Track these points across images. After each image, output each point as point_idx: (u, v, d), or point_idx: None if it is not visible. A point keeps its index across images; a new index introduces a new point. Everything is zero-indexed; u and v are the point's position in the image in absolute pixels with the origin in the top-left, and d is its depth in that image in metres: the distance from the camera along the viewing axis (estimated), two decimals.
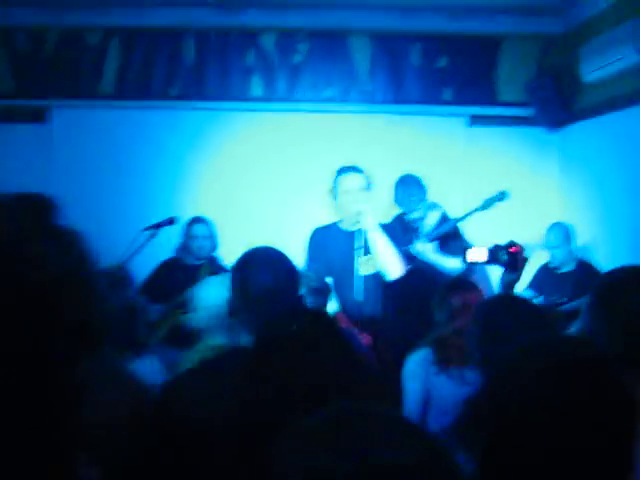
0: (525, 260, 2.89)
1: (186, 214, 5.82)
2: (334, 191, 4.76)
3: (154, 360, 2.98)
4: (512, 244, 3.23)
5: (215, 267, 5.53)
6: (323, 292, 3.79)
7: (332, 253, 4.70)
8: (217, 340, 2.70)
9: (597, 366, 1.17)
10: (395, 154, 6.57)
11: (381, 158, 6.36)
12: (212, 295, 2.83)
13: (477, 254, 3.60)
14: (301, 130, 6.71)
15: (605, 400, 1.15)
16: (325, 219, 4.95)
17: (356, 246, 4.59)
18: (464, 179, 6.65)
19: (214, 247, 5.76)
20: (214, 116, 6.69)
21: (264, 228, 6.25)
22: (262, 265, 2.22)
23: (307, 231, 4.90)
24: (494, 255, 3.17)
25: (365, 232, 4.62)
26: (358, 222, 4.62)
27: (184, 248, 5.75)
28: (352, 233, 4.68)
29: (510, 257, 2.93)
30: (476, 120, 6.74)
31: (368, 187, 4.73)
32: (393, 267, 4.56)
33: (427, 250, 5.48)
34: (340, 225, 4.81)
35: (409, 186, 5.69)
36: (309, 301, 3.62)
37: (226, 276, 2.60)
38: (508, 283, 2.93)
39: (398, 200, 5.75)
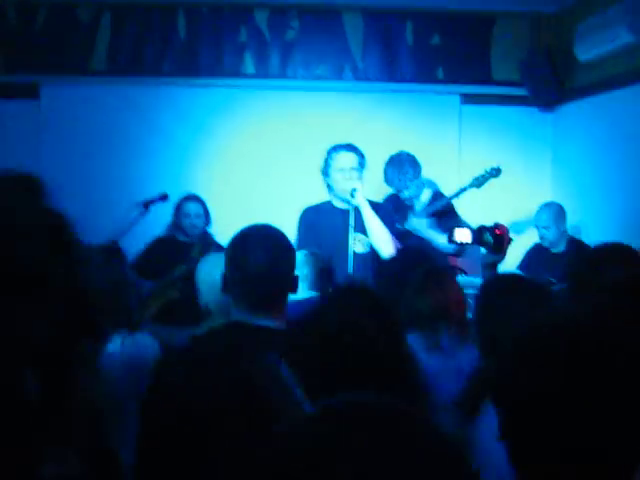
0: (510, 242, 2.88)
1: (178, 191, 5.76)
2: (327, 169, 4.75)
3: (147, 337, 2.93)
4: (497, 226, 3.21)
5: (208, 244, 5.46)
6: (329, 272, 3.77)
7: (325, 231, 4.67)
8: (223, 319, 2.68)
9: (607, 342, 1.19)
10: (388, 132, 6.54)
11: (374, 136, 6.32)
12: (216, 273, 2.83)
13: (462, 235, 3.58)
14: (294, 107, 6.65)
15: (617, 377, 1.17)
16: (317, 197, 4.92)
17: (349, 224, 4.59)
18: (457, 158, 6.65)
19: (207, 224, 5.73)
20: (207, 93, 6.64)
21: (257, 205, 6.25)
22: (259, 243, 2.20)
23: (299, 209, 4.89)
24: (478, 236, 3.16)
25: (358, 210, 4.62)
26: (351, 200, 4.62)
27: (176, 225, 5.69)
28: (345, 211, 4.68)
29: (495, 239, 2.91)
30: (469, 99, 6.71)
31: (362, 165, 4.73)
32: (386, 245, 4.57)
33: (421, 226, 5.46)
34: (333, 203, 4.79)
35: (402, 164, 5.63)
36: (315, 281, 3.61)
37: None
38: (491, 264, 2.94)
39: (389, 179, 5.70)
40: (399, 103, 6.71)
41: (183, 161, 6.62)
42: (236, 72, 6.66)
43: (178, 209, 5.68)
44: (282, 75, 6.69)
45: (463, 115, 6.72)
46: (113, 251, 4.08)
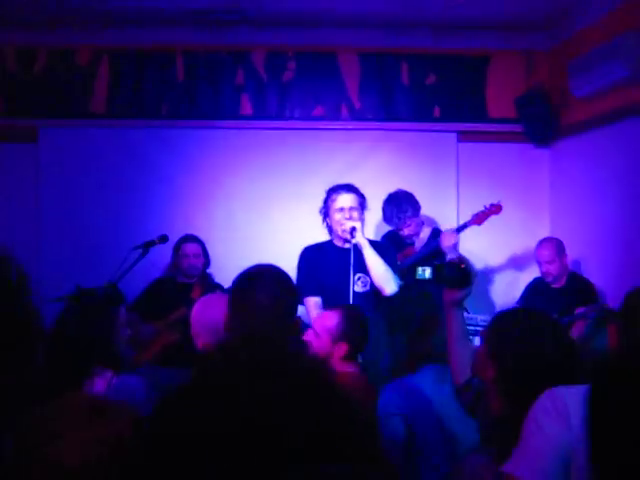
0: (472, 275, 2.83)
1: (177, 233, 5.76)
2: (326, 209, 4.77)
3: (138, 380, 2.92)
4: (461, 259, 3.16)
5: (207, 285, 5.49)
6: None
7: (325, 270, 4.67)
8: None
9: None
10: (386, 171, 6.53)
11: (372, 175, 6.33)
12: (213, 314, 2.79)
13: (422, 273, 3.55)
14: (292, 148, 6.64)
15: None
16: (317, 237, 4.90)
17: (349, 263, 4.53)
18: (455, 194, 6.62)
19: (206, 265, 5.72)
20: (205, 135, 6.65)
21: (256, 246, 6.21)
22: (265, 283, 2.19)
23: (299, 249, 4.84)
24: (438, 273, 3.09)
25: (358, 249, 4.60)
26: (351, 239, 4.60)
27: (175, 266, 5.72)
28: (345, 250, 4.66)
29: (459, 273, 2.85)
30: (466, 136, 6.69)
31: (362, 206, 4.75)
32: (387, 283, 4.54)
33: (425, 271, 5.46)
34: (334, 243, 4.78)
35: (400, 202, 5.63)
36: None
37: (223, 294, 2.57)
38: (459, 301, 2.85)
39: (388, 217, 5.67)
40: (396, 142, 6.68)
41: (182, 203, 6.61)
42: (234, 113, 6.66)
43: (177, 250, 5.70)
44: (280, 116, 6.67)
45: (460, 152, 6.69)
46: (109, 293, 4.03)
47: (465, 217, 5.79)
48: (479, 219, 5.56)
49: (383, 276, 4.58)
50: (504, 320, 2.33)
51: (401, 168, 6.57)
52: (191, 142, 6.65)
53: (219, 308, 2.57)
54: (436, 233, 5.70)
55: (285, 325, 2.21)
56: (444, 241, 5.37)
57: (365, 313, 4.46)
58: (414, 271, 5.01)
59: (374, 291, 4.64)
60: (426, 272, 3.40)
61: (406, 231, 5.62)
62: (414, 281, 4.93)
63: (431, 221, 6.22)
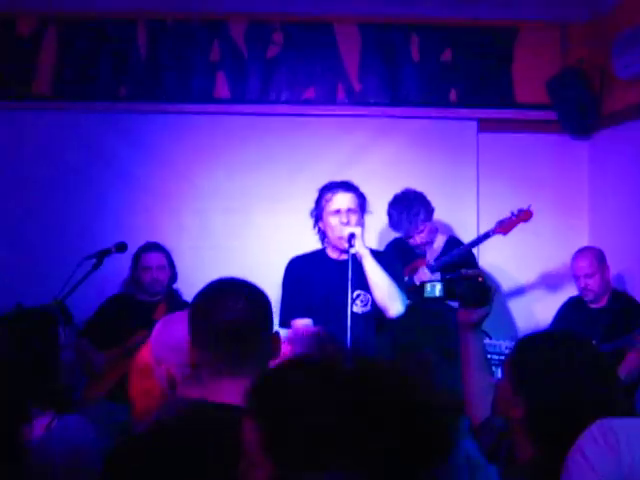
0: (491, 291, 2.81)
1: (138, 240, 5.71)
2: (319, 211, 4.74)
3: (82, 419, 2.86)
4: (476, 272, 3.13)
5: (174, 304, 5.40)
6: None
7: (316, 287, 4.65)
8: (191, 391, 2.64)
9: None
10: (391, 166, 6.49)
11: (374, 171, 6.33)
12: (178, 332, 2.76)
13: (432, 290, 3.52)
14: (277, 138, 6.58)
15: None
16: (307, 244, 4.87)
17: (347, 278, 4.44)
18: (475, 195, 6.57)
19: (172, 280, 5.68)
20: (172, 121, 6.57)
21: (233, 256, 6.25)
22: (229, 298, 2.20)
23: (286, 259, 4.82)
24: (450, 289, 3.09)
25: (357, 260, 4.55)
26: (349, 249, 4.53)
27: (135, 282, 5.68)
28: (341, 262, 4.61)
29: (478, 288, 2.83)
30: (488, 125, 6.65)
31: (362, 207, 4.71)
32: (392, 303, 4.54)
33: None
34: (327, 253, 4.77)
35: (411, 204, 5.58)
36: None
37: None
38: (476, 322, 2.92)
39: (395, 222, 5.63)
40: (404, 131, 6.62)
41: (144, 203, 6.51)
42: (207, 96, 6.58)
43: (137, 261, 5.64)
44: (263, 99, 6.60)
45: (481, 144, 6.63)
46: (50, 312, 3.98)
47: (487, 223, 5.78)
48: (505, 228, 5.54)
49: (388, 294, 4.55)
50: (533, 346, 2.30)
51: (410, 163, 6.51)
52: (155, 130, 6.58)
53: (185, 325, 2.59)
54: (453, 242, 5.71)
55: (253, 349, 2.23)
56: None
57: (365, 338, 4.47)
58: (423, 288, 4.99)
59: (376, 312, 4.62)
60: (436, 289, 3.35)
61: (417, 239, 5.58)
62: (422, 300, 4.90)
63: (446, 228, 6.17)
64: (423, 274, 5.47)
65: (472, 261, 5.61)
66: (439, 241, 5.72)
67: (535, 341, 2.34)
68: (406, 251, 5.66)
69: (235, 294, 2.23)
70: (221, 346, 2.20)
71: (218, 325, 2.19)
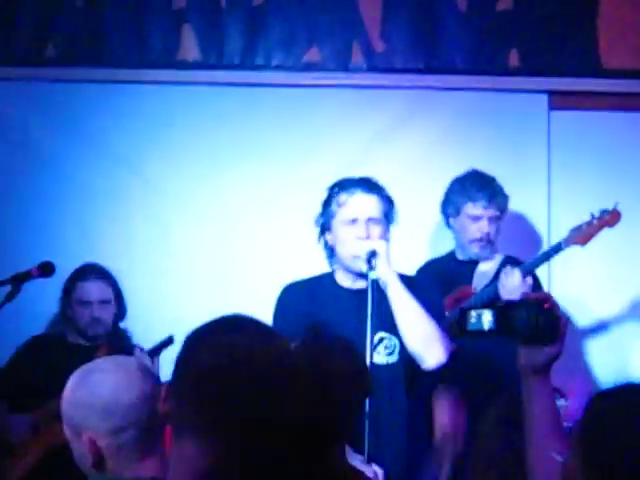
0: (563, 323, 2.74)
1: (70, 259, 5.59)
2: (327, 218, 4.65)
3: None
4: (544, 297, 3.01)
5: (119, 349, 5.26)
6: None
7: (322, 326, 4.35)
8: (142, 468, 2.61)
9: None
10: (426, 157, 6.34)
11: (402, 164, 6.20)
12: (105, 393, 2.76)
13: (478, 321, 3.36)
14: (267, 117, 6.32)
15: None
16: (308, 265, 4.86)
17: (366, 315, 4.36)
18: (545, 190, 6.46)
19: (119, 316, 5.61)
20: (119, 93, 6.38)
21: (205, 282, 6.15)
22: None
23: (276, 287, 4.74)
24: (507, 319, 2.93)
25: (381, 289, 4.48)
26: (369, 272, 4.43)
27: (67, 319, 5.58)
28: (358, 292, 4.54)
29: (545, 319, 2.76)
30: (562, 99, 6.48)
31: (388, 217, 4.64)
32: (430, 349, 4.49)
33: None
34: (336, 279, 4.68)
35: (480, 185, 5.58)
36: None
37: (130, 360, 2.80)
38: (542, 365, 2.79)
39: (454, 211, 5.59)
40: (446, 108, 6.45)
41: (78, 207, 6.30)
42: (169, 58, 6.35)
43: (70, 292, 5.52)
44: (246, 63, 6.36)
45: (553, 124, 6.48)
46: None
47: (560, 225, 5.74)
48: (582, 237, 5.42)
49: (424, 336, 4.49)
50: (611, 411, 2.29)
51: (452, 152, 6.30)
52: (94, 105, 6.33)
53: (114, 379, 2.67)
54: (509, 263, 5.54)
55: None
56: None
57: (391, 400, 4.32)
58: (465, 319, 4.82)
59: (407, 362, 4.54)
60: (484, 319, 3.16)
61: (475, 249, 5.59)
62: (463, 334, 4.77)
63: (507, 235, 5.93)
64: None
65: (536, 285, 5.44)
66: (496, 261, 5.66)
67: (615, 403, 2.32)
68: (447, 274, 5.59)
69: (242, 336, 2.23)
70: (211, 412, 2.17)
71: (208, 368, 2.19)
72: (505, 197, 5.62)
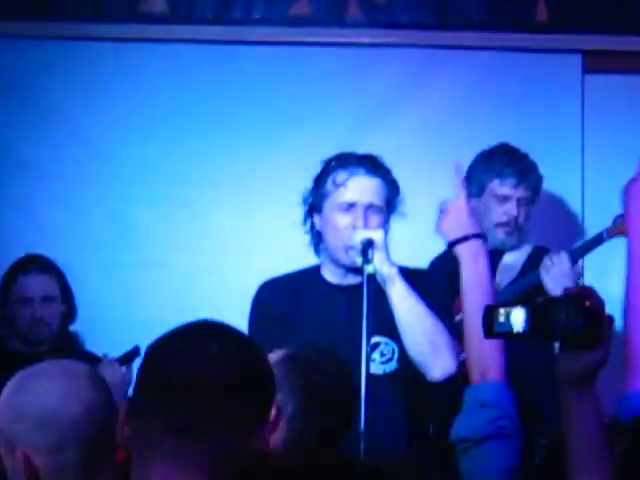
0: (606, 324, 2.72)
1: (8, 249, 5.72)
2: (319, 199, 4.70)
3: None
4: (585, 293, 2.95)
5: (69, 356, 5.17)
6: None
7: (306, 330, 4.56)
8: None
9: None
10: (438, 127, 6.31)
11: (407, 136, 6.19)
12: (44, 403, 2.76)
13: (507, 321, 3.32)
14: (246, 80, 6.37)
15: None
16: (296, 256, 4.91)
17: (362, 315, 4.31)
18: (578, 166, 6.52)
19: (67, 318, 5.64)
20: (70, 50, 6.42)
21: (172, 276, 6.15)
22: (203, 343, 2.26)
23: (254, 283, 4.76)
24: (539, 319, 2.92)
25: (379, 286, 4.47)
26: (364, 266, 4.40)
27: (4, 320, 5.62)
28: (348, 290, 4.59)
29: (584, 318, 2.73)
30: (599, 61, 6.49)
31: (390, 201, 4.68)
32: (436, 358, 4.53)
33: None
34: (323, 274, 4.71)
35: (510, 160, 5.58)
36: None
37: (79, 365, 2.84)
38: (582, 374, 2.77)
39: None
40: (461, 71, 6.43)
41: (19, 186, 6.32)
42: (130, 11, 6.38)
43: (7, 287, 5.59)
44: (222, 17, 6.44)
45: (588, 89, 6.51)
46: None
47: (596, 205, 5.86)
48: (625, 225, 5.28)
49: (430, 342, 4.52)
50: None
51: (471, 121, 6.34)
52: (44, 67, 6.33)
53: (58, 386, 2.71)
54: (540, 255, 5.56)
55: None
56: (549, 272, 5.43)
57: (388, 416, 4.24)
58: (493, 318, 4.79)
59: (407, 371, 4.58)
60: (515, 318, 3.07)
61: (501, 234, 5.57)
62: (493, 338, 4.75)
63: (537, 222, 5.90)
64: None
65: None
66: (519, 254, 5.70)
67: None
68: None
69: (218, 345, 2.31)
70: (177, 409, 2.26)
71: (176, 378, 2.27)
72: (539, 177, 5.60)
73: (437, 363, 4.45)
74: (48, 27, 6.41)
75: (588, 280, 5.62)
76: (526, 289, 5.24)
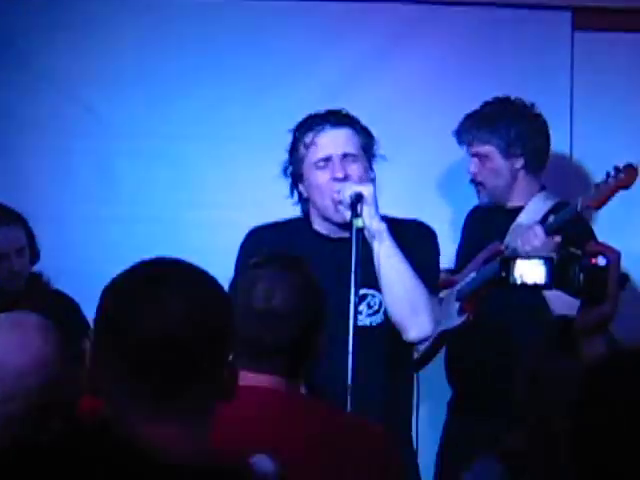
0: (625, 280, 2.89)
1: None
2: (297, 166, 4.79)
3: None
4: (596, 249, 3.12)
5: (41, 296, 5.63)
6: None
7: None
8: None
9: None
10: (429, 83, 6.46)
11: (398, 93, 6.30)
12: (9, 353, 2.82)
13: (527, 271, 3.45)
14: (224, 33, 6.49)
15: None
16: (278, 210, 4.96)
17: (349, 269, 4.47)
18: (567, 128, 6.56)
19: (32, 262, 5.74)
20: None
21: (152, 230, 6.24)
22: (159, 297, 2.18)
23: (238, 235, 4.83)
24: (560, 273, 3.11)
25: (366, 240, 4.58)
26: (354, 220, 4.53)
27: None
28: (338, 242, 4.68)
29: (589, 275, 2.89)
30: (588, 18, 6.56)
31: (367, 149, 4.76)
32: (414, 318, 4.65)
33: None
34: (313, 224, 4.84)
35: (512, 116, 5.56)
36: None
37: (30, 317, 2.92)
38: (593, 321, 2.98)
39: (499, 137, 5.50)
40: (452, 25, 6.58)
41: (5, 134, 6.39)
42: None
43: None
44: None
45: (578, 48, 6.56)
46: None
47: (584, 174, 5.98)
48: (597, 199, 5.48)
49: (409, 301, 4.65)
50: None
51: (460, 78, 6.44)
52: (22, 17, 6.45)
53: (5, 338, 2.78)
54: (560, 209, 5.57)
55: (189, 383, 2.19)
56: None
57: (377, 369, 4.28)
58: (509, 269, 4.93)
59: (391, 324, 4.58)
60: (533, 271, 3.18)
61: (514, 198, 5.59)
62: (500, 293, 4.87)
63: None
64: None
65: (586, 232, 5.55)
66: (538, 210, 5.76)
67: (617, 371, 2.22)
68: (490, 225, 5.73)
69: (169, 289, 2.21)
70: (138, 376, 2.19)
71: (137, 342, 2.18)
72: (506, 130, 5.70)
73: (414, 324, 4.56)
74: None
75: (605, 235, 5.60)
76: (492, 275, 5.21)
